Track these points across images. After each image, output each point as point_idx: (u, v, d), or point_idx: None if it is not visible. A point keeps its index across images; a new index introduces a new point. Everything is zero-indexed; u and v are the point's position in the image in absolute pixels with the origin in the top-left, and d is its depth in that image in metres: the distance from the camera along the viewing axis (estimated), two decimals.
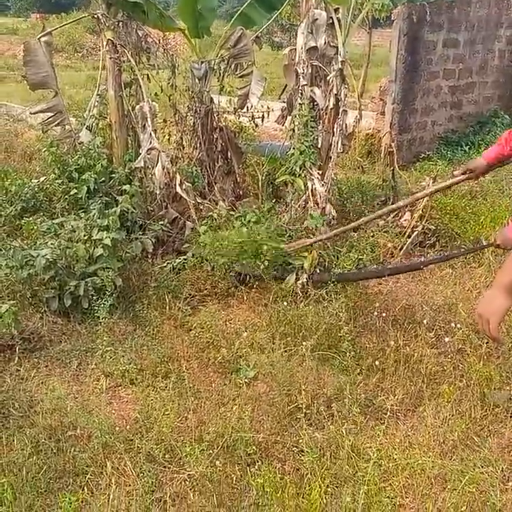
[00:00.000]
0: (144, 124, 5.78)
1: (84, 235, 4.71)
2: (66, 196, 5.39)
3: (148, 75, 6.06)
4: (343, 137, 5.90)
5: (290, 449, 3.23)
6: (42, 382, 3.82)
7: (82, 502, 2.83)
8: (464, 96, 9.85)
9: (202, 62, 6.11)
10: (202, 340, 4.28)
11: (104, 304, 4.28)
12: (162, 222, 5.58)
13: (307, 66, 5.80)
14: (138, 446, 3.18)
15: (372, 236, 5.79)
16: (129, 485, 2.96)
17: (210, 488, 2.88)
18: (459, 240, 5.77)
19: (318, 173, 5.67)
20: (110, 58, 5.67)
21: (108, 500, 2.81)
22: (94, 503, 2.83)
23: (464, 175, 3.87)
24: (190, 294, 4.94)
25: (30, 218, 5.09)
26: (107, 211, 4.98)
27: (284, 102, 6.42)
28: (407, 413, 3.57)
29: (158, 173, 5.67)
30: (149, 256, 5.37)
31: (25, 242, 4.90)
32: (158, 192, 5.69)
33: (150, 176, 5.75)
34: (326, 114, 5.91)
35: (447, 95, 9.50)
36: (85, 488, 2.94)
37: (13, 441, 3.21)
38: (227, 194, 6.46)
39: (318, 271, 4.99)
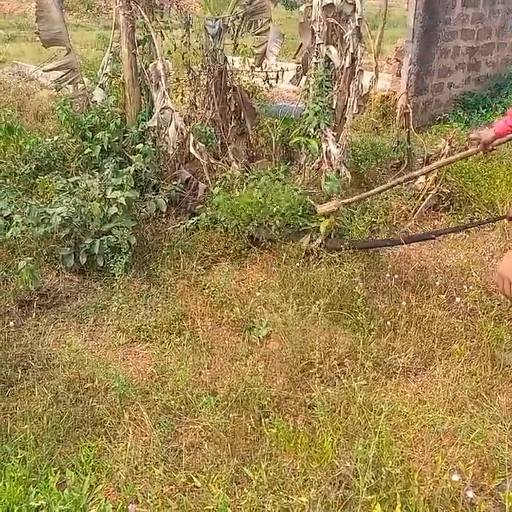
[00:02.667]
0: (158, 83, 5.72)
1: (99, 194, 4.73)
2: (80, 155, 5.40)
3: (161, 32, 5.97)
4: (359, 98, 5.82)
5: (302, 403, 3.30)
6: (59, 337, 3.91)
7: (100, 450, 2.93)
8: (483, 57, 9.63)
9: (216, 20, 6.01)
10: (215, 299, 4.33)
11: (119, 262, 4.34)
12: (175, 183, 5.59)
13: (323, 24, 5.68)
14: (154, 398, 3.27)
15: (386, 199, 5.76)
16: (146, 435, 3.05)
17: (224, 438, 2.97)
18: (474, 203, 5.73)
19: (332, 134, 5.62)
20: (123, 15, 5.58)
21: (126, 449, 2.91)
22: (112, 451, 2.93)
23: (474, 147, 4.04)
24: (203, 254, 4.98)
25: (45, 177, 5.11)
26: (120, 170, 4.99)
27: (299, 63, 6.32)
28: (417, 371, 3.62)
29: (171, 133, 5.64)
30: (163, 216, 5.39)
31: (40, 200, 4.94)
32: (171, 152, 5.68)
33: (163, 135, 5.72)
34: (342, 73, 5.81)
35: (465, 56, 9.29)
36: (103, 437, 3.05)
37: (34, 392, 3.31)
38: (240, 155, 6.42)
39: (332, 236, 4.99)
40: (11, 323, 3.88)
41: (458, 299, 4.12)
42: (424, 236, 4.87)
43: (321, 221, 4.88)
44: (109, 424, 3.12)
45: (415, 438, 2.98)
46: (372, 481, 2.48)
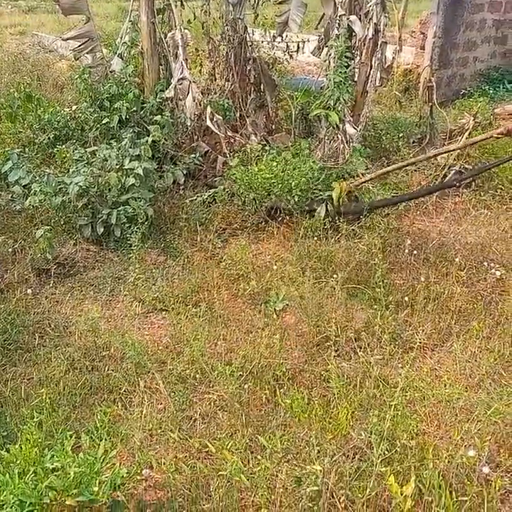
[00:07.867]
0: (176, 53, 5.64)
1: (117, 164, 4.71)
2: (98, 125, 5.36)
3: (181, 1, 5.86)
4: (382, 70, 5.70)
5: (317, 376, 3.29)
6: (76, 306, 3.93)
7: (115, 416, 2.95)
8: (510, 31, 9.36)
9: None
10: (232, 272, 4.31)
11: (136, 232, 4.32)
12: (193, 155, 5.54)
13: None
14: (169, 368, 3.28)
15: (406, 174, 5.67)
16: (161, 403, 3.07)
17: (239, 408, 2.97)
18: (497, 179, 5.61)
19: (350, 114, 5.54)
20: None
21: (141, 416, 2.92)
22: (127, 417, 2.95)
23: (502, 133, 3.92)
24: (220, 227, 4.96)
25: (63, 146, 5.10)
26: (138, 141, 4.95)
27: (320, 34, 6.19)
28: (434, 347, 3.58)
29: (189, 105, 5.57)
30: (180, 188, 5.36)
31: (58, 169, 4.93)
32: (189, 123, 5.62)
33: (181, 107, 5.66)
34: (364, 45, 5.69)
35: (491, 29, 9.03)
36: (119, 403, 3.07)
37: (50, 358, 3.34)
38: (259, 128, 6.34)
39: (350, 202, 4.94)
40: (29, 291, 3.91)
41: (478, 278, 4.05)
42: (447, 184, 4.61)
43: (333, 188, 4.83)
44: (125, 391, 3.14)
45: (431, 412, 2.95)
46: (386, 453, 2.47)
